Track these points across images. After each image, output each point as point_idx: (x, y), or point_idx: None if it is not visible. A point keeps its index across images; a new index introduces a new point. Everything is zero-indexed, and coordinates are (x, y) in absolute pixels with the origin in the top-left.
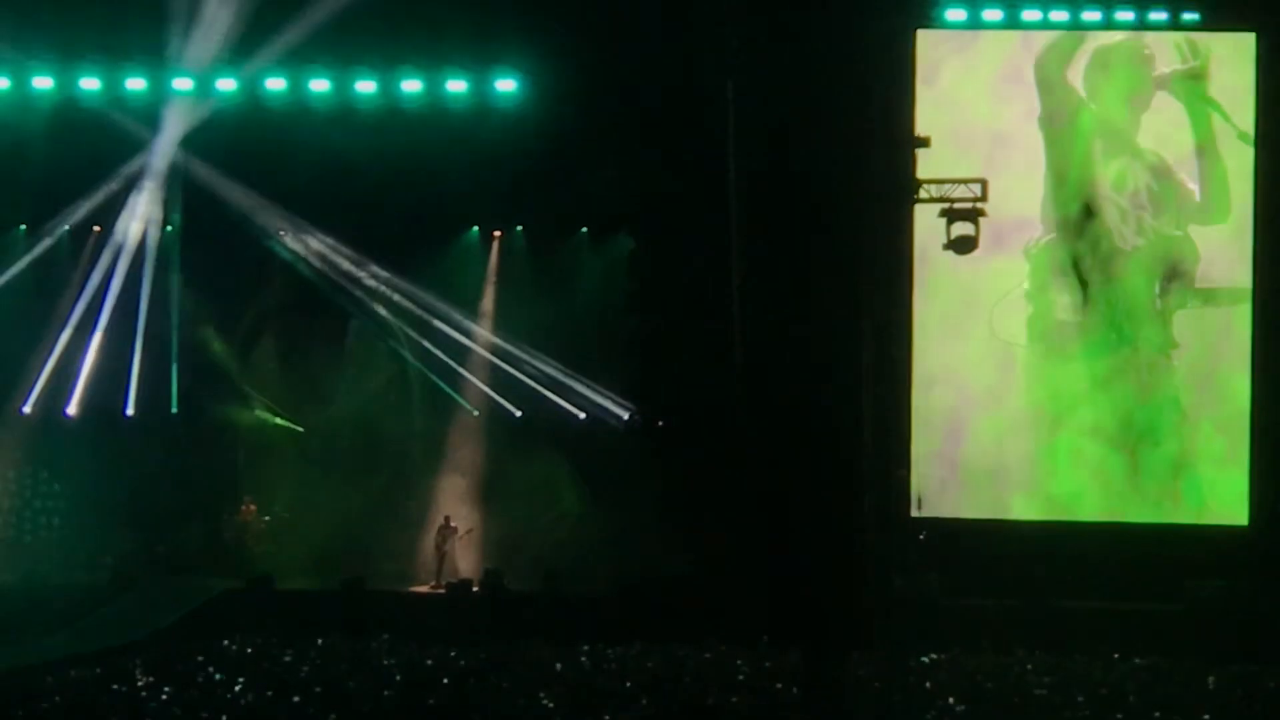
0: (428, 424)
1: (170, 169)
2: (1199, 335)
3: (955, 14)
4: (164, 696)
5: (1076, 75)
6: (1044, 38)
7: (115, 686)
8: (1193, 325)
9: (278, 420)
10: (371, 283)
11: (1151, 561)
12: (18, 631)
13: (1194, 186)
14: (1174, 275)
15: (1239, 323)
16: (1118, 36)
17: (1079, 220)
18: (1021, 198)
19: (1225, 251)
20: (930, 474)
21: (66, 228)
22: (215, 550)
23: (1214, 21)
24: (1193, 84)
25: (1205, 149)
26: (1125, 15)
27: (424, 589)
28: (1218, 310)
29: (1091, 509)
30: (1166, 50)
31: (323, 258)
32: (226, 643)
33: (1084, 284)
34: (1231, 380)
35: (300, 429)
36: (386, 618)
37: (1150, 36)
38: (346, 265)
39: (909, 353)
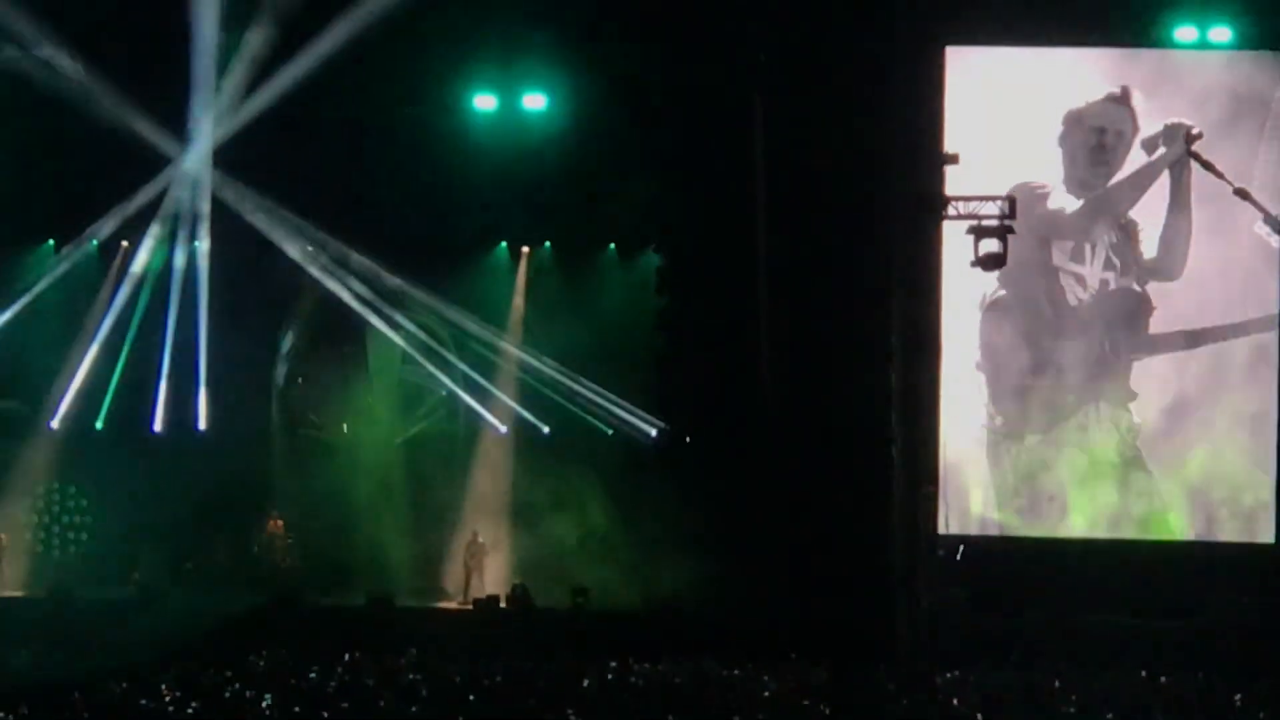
0: (456, 439)
1: (198, 184)
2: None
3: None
4: (190, 712)
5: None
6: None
7: (143, 702)
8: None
9: (312, 432)
10: (400, 297)
11: (1179, 578)
12: (46, 646)
13: (1153, 244)
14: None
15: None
16: (1095, 98)
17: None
18: None
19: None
20: (957, 490)
21: (95, 243)
22: (242, 566)
23: (1248, 43)
24: (1176, 138)
25: (1176, 206)
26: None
27: (451, 605)
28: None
29: (1116, 527)
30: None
31: (351, 272)
32: (253, 658)
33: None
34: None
35: (343, 432)
36: (413, 633)
37: (1138, 95)
38: (375, 280)
39: (938, 369)
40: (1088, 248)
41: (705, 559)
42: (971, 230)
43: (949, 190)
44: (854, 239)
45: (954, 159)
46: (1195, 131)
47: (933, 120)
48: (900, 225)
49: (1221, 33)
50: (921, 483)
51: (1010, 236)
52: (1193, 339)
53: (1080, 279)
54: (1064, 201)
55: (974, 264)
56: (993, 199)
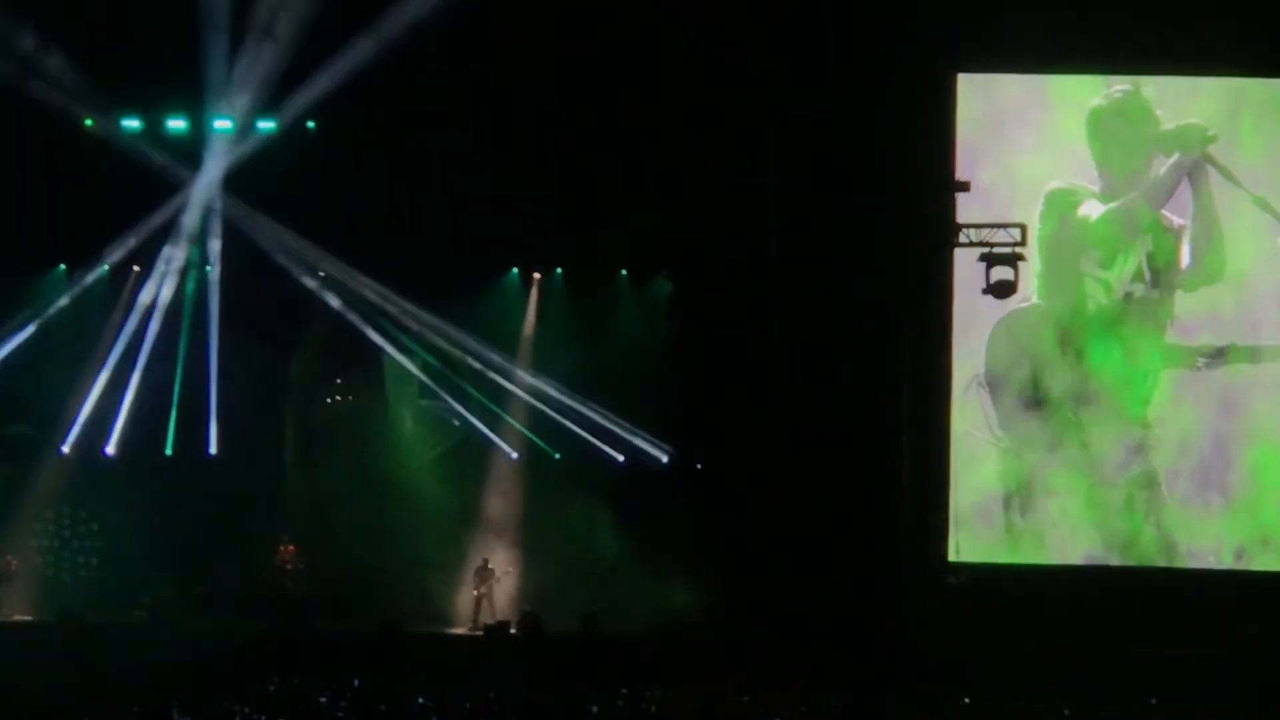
0: (466, 466)
1: (209, 209)
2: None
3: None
4: None
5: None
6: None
7: None
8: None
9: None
10: (411, 324)
11: (1191, 606)
12: (56, 670)
13: (1186, 249)
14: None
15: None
16: (1116, 93)
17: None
18: None
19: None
20: (967, 518)
21: (106, 267)
22: (252, 591)
23: (1253, 69)
24: (1191, 141)
25: (1203, 211)
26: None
27: (461, 631)
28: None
29: (1128, 554)
30: (1166, 106)
31: (361, 298)
32: (264, 683)
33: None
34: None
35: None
36: (423, 659)
37: (1152, 90)
38: (385, 306)
39: (948, 397)
40: (1119, 255)
41: (715, 585)
42: (983, 258)
43: (964, 217)
44: (865, 267)
45: (965, 186)
46: (1211, 134)
47: (944, 148)
48: (912, 253)
49: None
50: (931, 509)
51: (1042, 242)
52: (1215, 355)
53: (1107, 285)
54: (1094, 207)
55: (985, 291)
56: (1005, 226)
